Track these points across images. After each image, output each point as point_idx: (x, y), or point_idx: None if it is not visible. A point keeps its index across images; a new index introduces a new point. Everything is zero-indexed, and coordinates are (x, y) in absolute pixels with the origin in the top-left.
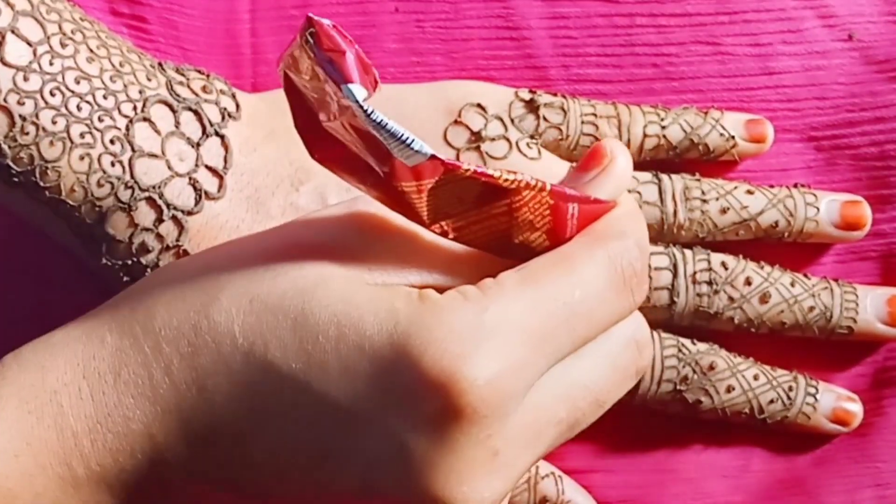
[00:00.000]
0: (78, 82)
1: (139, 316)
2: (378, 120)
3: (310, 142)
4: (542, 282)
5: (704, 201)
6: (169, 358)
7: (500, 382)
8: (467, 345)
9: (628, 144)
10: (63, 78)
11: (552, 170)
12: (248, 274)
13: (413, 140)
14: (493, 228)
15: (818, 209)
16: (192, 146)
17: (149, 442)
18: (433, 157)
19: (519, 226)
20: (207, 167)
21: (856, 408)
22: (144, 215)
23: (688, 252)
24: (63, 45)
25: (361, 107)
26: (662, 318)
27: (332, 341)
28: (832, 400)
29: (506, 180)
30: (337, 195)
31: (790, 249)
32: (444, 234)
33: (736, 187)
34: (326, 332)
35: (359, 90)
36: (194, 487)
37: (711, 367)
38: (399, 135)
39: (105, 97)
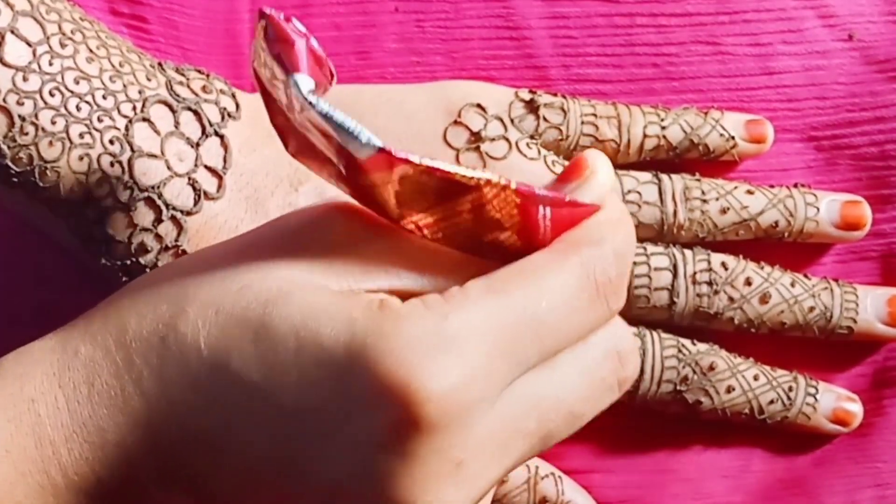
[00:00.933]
0: (77, 82)
1: (111, 328)
2: (324, 111)
3: (283, 135)
4: (507, 290)
5: (704, 201)
6: (139, 370)
7: (459, 393)
8: (424, 354)
9: (628, 145)
10: (62, 78)
11: (554, 169)
12: (215, 283)
13: (360, 131)
14: (461, 226)
15: (818, 209)
16: (192, 146)
17: (123, 453)
18: (381, 149)
19: (485, 223)
20: (207, 167)
21: (856, 408)
22: (143, 215)
23: (688, 252)
24: (63, 46)
25: (305, 98)
26: (662, 318)
27: (291, 353)
28: (832, 400)
29: (462, 176)
30: (336, 194)
31: (790, 250)
32: (417, 230)
33: (736, 187)
34: (286, 344)
35: (304, 80)
36: (169, 499)
37: (711, 368)
38: (347, 126)
39: (104, 97)
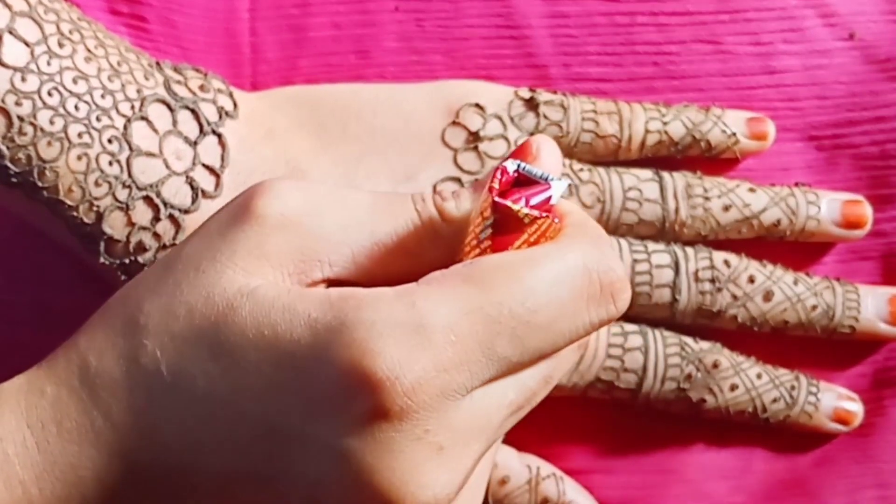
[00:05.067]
0: (76, 82)
1: (73, 367)
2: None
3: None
4: (487, 283)
5: (707, 199)
6: (107, 404)
7: (429, 381)
8: (390, 341)
9: (629, 141)
10: (61, 78)
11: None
12: (162, 310)
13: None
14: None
15: (819, 208)
16: (190, 145)
17: (99, 488)
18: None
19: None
20: (204, 166)
21: (856, 407)
22: (142, 214)
23: (689, 250)
24: (61, 46)
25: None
26: (664, 316)
27: (252, 363)
28: (832, 399)
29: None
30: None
31: (791, 249)
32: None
33: (738, 185)
34: (246, 356)
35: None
36: None
37: (715, 366)
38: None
39: (103, 97)
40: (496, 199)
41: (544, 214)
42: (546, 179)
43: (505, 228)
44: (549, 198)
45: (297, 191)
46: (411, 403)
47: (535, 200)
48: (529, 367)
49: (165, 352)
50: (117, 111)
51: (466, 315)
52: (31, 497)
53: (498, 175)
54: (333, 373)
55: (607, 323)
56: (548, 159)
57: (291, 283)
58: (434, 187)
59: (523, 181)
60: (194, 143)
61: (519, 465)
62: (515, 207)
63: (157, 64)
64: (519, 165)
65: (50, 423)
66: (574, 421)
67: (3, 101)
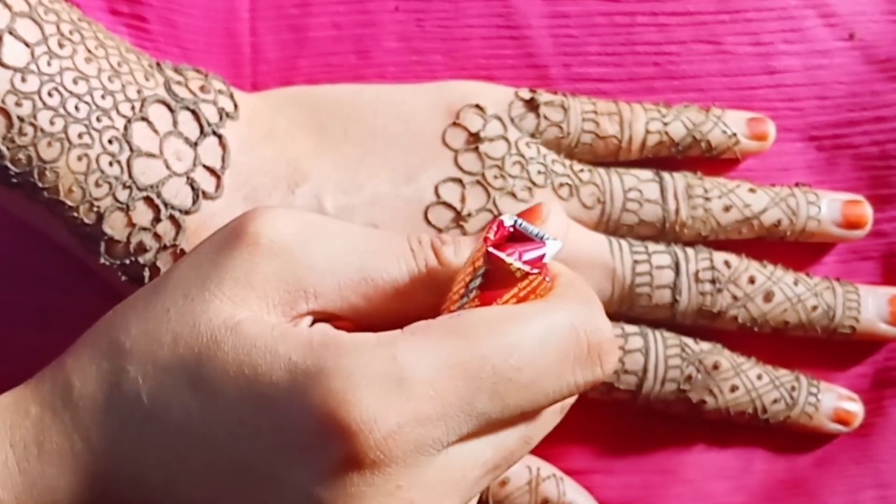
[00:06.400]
0: (76, 83)
1: (58, 389)
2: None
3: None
4: (472, 337)
5: (707, 199)
6: (87, 427)
7: (403, 435)
8: (367, 392)
9: (630, 141)
10: (61, 79)
11: (554, 168)
12: (148, 337)
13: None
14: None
15: (820, 208)
16: (190, 146)
17: None
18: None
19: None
20: (205, 167)
21: (856, 407)
22: (142, 215)
23: (690, 250)
24: (61, 46)
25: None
26: (664, 316)
27: (230, 400)
28: (833, 400)
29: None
30: (332, 198)
31: (791, 249)
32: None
33: (738, 186)
34: (224, 392)
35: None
36: None
37: (716, 367)
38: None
39: (103, 97)
40: (490, 249)
41: (536, 271)
42: (542, 238)
43: (495, 281)
44: (543, 255)
45: (290, 219)
46: (383, 456)
47: (528, 256)
48: (509, 427)
49: (147, 379)
50: (118, 112)
51: (448, 369)
52: None
53: (494, 227)
54: (309, 419)
55: (592, 385)
56: (554, 223)
57: (277, 314)
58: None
59: (518, 237)
60: (195, 144)
61: (519, 466)
62: (508, 260)
63: (158, 64)
64: (516, 221)
65: (31, 444)
66: (574, 421)
67: (3, 101)
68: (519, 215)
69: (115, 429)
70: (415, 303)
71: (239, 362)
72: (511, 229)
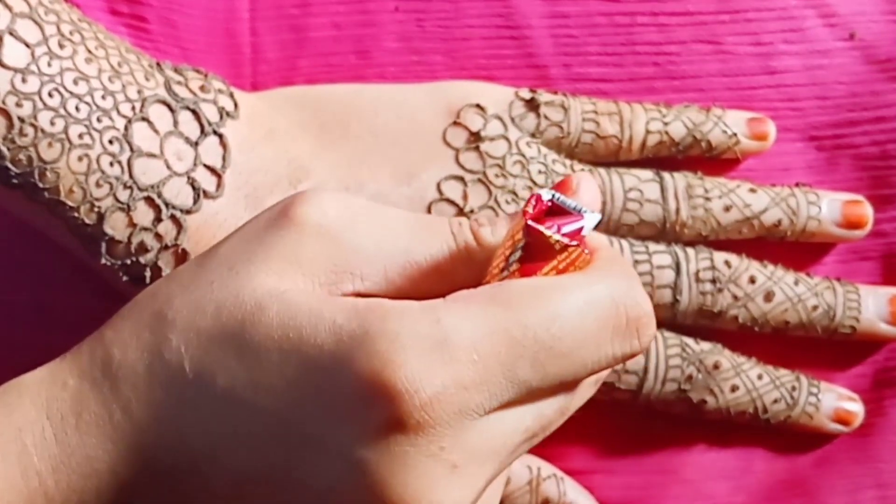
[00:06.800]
0: (76, 83)
1: (97, 360)
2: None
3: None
4: (514, 305)
5: (707, 199)
6: (127, 398)
7: (447, 398)
8: (412, 354)
9: (630, 141)
10: (61, 79)
11: (554, 168)
12: (191, 306)
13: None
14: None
15: (820, 208)
16: (191, 145)
17: (114, 481)
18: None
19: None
20: (206, 166)
21: (856, 407)
22: (143, 215)
23: (690, 250)
24: (61, 46)
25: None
26: (665, 316)
27: (275, 365)
28: (833, 400)
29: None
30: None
31: (791, 249)
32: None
33: (738, 185)
34: (269, 357)
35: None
36: None
37: (716, 367)
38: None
39: (103, 98)
40: (529, 223)
41: (574, 243)
42: (579, 211)
43: (535, 254)
44: (581, 228)
45: (337, 202)
46: (428, 418)
47: (566, 229)
48: (548, 396)
49: (190, 347)
50: (118, 112)
51: (490, 335)
52: (47, 488)
53: (532, 202)
54: (353, 381)
55: (630, 357)
56: (586, 195)
57: (322, 292)
58: (463, 216)
59: (557, 212)
60: (195, 144)
61: (519, 466)
62: (547, 233)
63: (158, 65)
64: (554, 195)
65: (69, 414)
66: (575, 421)
67: (3, 102)
68: (552, 188)
69: (156, 398)
70: (455, 281)
71: (284, 326)
72: (549, 203)
